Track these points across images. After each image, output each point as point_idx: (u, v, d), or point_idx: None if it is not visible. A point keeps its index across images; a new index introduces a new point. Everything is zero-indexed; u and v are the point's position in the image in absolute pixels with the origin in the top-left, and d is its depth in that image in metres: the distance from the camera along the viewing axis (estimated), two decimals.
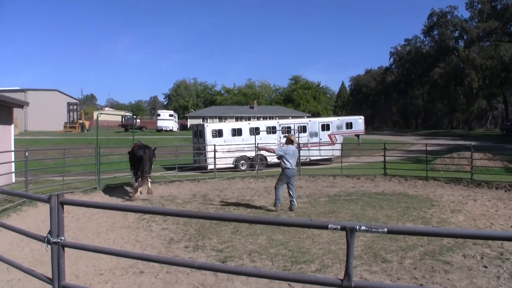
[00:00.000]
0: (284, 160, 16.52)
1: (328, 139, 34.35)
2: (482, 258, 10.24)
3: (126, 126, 76.74)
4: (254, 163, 27.97)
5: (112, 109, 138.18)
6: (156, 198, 19.53)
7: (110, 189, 21.55)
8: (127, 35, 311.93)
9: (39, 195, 7.88)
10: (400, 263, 9.97)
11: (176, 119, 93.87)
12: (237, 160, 30.70)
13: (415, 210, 16.17)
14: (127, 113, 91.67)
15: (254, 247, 11.36)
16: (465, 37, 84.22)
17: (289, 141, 17.00)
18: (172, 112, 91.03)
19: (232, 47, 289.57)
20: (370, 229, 4.07)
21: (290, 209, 16.59)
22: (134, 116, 75.51)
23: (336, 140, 34.55)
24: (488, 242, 11.13)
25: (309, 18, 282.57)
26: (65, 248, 5.31)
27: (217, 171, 26.21)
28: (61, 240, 5.17)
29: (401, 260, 10.13)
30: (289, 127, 33.90)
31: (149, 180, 20.58)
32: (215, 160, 26.26)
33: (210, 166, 27.77)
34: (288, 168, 16.53)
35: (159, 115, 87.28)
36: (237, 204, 18.01)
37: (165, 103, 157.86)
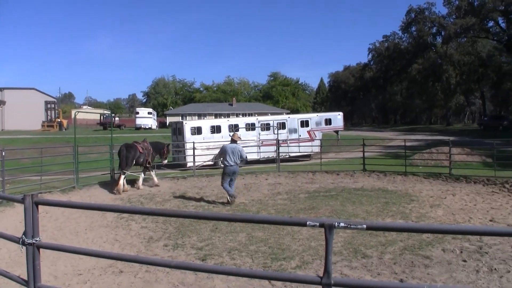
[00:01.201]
0: (223, 158, 17.66)
1: (307, 136, 34.41)
2: (461, 252, 10.30)
3: (105, 124, 76.25)
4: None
5: (90, 108, 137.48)
6: (135, 197, 19.39)
7: (89, 188, 21.35)
8: (105, 33, 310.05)
9: (13, 196, 7.77)
10: (380, 258, 9.99)
11: (155, 117, 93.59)
12: (216, 157, 30.62)
13: (394, 205, 16.23)
14: (105, 111, 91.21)
15: (234, 245, 11.33)
16: (442, 33, 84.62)
17: (233, 141, 18.00)
18: (151, 110, 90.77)
19: (210, 44, 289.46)
20: (349, 226, 4.04)
21: (231, 201, 17.45)
22: (113, 114, 74.80)
23: (315, 137, 34.62)
24: (467, 236, 11.19)
25: (287, 14, 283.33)
26: (43, 249, 5.23)
27: (196, 169, 26.12)
28: (36, 241, 5.08)
29: (381, 256, 10.15)
30: (268, 124, 33.92)
31: (142, 175, 22.02)
32: (194, 157, 26.15)
33: (190, 164, 27.65)
34: (227, 166, 17.45)
35: (137, 113, 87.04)
36: (216, 202, 17.98)
37: (144, 101, 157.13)
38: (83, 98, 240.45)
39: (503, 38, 76.81)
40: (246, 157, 18.76)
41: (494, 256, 9.97)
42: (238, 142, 18.21)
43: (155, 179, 22.53)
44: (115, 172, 22.29)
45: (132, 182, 22.22)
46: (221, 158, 17.90)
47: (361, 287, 4.82)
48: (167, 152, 23.25)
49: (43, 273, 5.32)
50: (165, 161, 23.79)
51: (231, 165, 17.45)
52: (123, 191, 20.45)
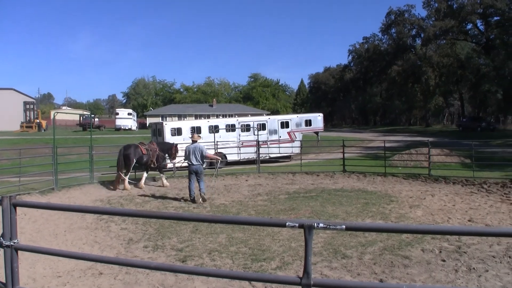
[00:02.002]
0: (185, 158, 18.73)
1: (287, 137, 34.42)
2: (440, 252, 10.37)
3: (84, 125, 75.74)
4: (214, 162, 27.89)
5: (70, 108, 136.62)
6: (115, 198, 19.29)
7: (68, 190, 21.20)
8: (85, 33, 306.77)
9: None
10: (360, 258, 10.03)
11: (135, 118, 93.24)
12: (184, 159, 30.57)
13: (374, 206, 16.31)
14: (85, 112, 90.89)
15: (214, 246, 11.30)
16: (422, 35, 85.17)
17: (193, 141, 18.59)
18: (130, 111, 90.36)
19: (191, 45, 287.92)
20: (328, 227, 4.05)
21: (203, 199, 18.06)
22: (92, 115, 74.40)
23: (296, 138, 34.65)
24: (446, 236, 11.27)
25: (267, 15, 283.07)
26: (22, 251, 5.18)
27: (176, 170, 26.05)
28: (14, 243, 5.03)
29: (361, 256, 10.18)
30: (248, 125, 33.88)
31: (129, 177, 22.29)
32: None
33: (170, 165, 27.56)
34: (190, 165, 18.21)
35: (117, 113, 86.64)
36: (196, 203, 17.89)
37: (124, 101, 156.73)
38: (63, 99, 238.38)
39: (481, 40, 77.59)
40: (205, 155, 18.85)
41: (472, 256, 10.05)
42: (198, 141, 18.79)
43: (164, 180, 22.86)
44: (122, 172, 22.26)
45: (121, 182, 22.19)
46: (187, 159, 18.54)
47: (340, 287, 4.84)
48: (175, 151, 23.50)
49: (21, 276, 5.27)
50: (174, 161, 24.25)
51: (194, 164, 18.06)
52: (124, 189, 21.35)
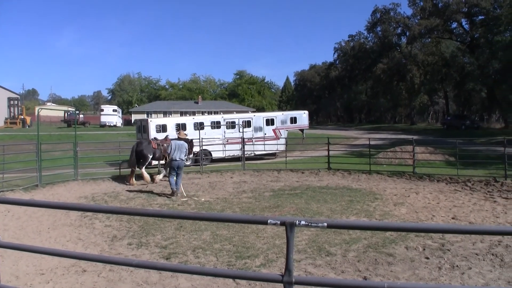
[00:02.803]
0: (170, 153, 19.10)
1: (272, 134, 34.41)
2: (424, 249, 10.41)
3: (69, 121, 75.33)
4: (199, 158, 27.83)
5: (54, 104, 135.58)
6: (99, 195, 19.20)
7: (52, 186, 21.09)
8: (70, 28, 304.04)
9: None
10: (344, 256, 10.04)
11: (120, 114, 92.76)
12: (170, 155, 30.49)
13: (358, 203, 16.37)
14: (69, 108, 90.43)
15: (199, 243, 11.29)
16: (407, 33, 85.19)
17: (179, 138, 19.58)
18: (116, 107, 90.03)
19: (177, 41, 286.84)
20: (309, 224, 4.04)
21: (175, 193, 18.78)
22: (77, 111, 74.08)
23: (281, 135, 34.67)
24: (430, 234, 11.31)
25: (254, 12, 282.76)
26: (5, 248, 5.13)
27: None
28: None
29: (345, 253, 10.20)
30: (233, 122, 33.84)
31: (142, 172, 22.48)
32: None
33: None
34: (172, 160, 18.87)
35: (102, 110, 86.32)
36: (181, 200, 17.88)
37: (109, 98, 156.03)
38: (47, 95, 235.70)
39: (466, 39, 77.85)
40: (188, 153, 20.19)
41: (456, 253, 10.09)
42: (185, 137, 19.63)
43: (160, 176, 22.88)
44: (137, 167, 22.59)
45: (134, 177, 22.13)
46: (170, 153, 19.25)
47: (322, 284, 4.83)
48: (191, 147, 23.55)
49: (4, 273, 5.23)
50: (190, 156, 24.49)
51: (176, 160, 18.80)
52: (130, 184, 22.06)
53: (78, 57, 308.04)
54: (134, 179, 22.41)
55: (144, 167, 22.47)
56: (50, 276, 9.12)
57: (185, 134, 20.35)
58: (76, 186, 21.55)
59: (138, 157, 22.27)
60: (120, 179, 23.53)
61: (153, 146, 22.54)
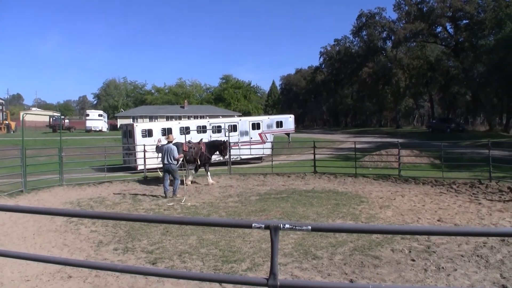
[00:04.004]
0: (161, 157, 19.99)
1: (258, 138, 34.48)
2: (410, 252, 10.44)
3: (54, 126, 74.94)
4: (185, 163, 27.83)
5: (39, 109, 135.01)
6: (84, 200, 19.09)
7: (37, 192, 20.96)
8: (55, 32, 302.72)
9: None
10: (330, 259, 10.05)
11: (106, 119, 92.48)
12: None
13: (344, 206, 16.39)
14: (55, 113, 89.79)
15: (185, 248, 11.26)
16: (392, 37, 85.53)
17: (169, 141, 19.99)
18: (101, 112, 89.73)
19: (163, 46, 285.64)
20: (294, 227, 4.04)
21: (173, 193, 19.67)
22: (62, 116, 73.88)
23: (267, 139, 34.74)
24: (416, 236, 11.36)
25: (239, 16, 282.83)
26: None
27: (147, 171, 25.88)
28: None
29: (331, 256, 10.21)
30: (219, 126, 33.86)
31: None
32: (145, 160, 25.94)
33: (140, 167, 27.40)
34: (163, 164, 19.74)
35: (88, 115, 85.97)
36: (167, 205, 17.81)
37: (95, 102, 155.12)
38: (32, 100, 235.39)
39: (450, 43, 78.29)
40: (176, 156, 19.98)
41: (441, 255, 10.14)
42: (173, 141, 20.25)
43: (209, 179, 23.43)
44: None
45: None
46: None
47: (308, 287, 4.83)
48: (224, 148, 24.04)
49: None
50: (226, 157, 25.18)
51: (165, 164, 19.57)
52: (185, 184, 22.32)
53: (63, 62, 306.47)
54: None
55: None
56: (36, 282, 9.05)
57: (174, 137, 20.81)
58: (61, 191, 21.43)
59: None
60: (105, 184, 23.44)
61: (184, 149, 22.66)
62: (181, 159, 21.26)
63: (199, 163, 23.26)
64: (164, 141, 20.71)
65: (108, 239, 12.40)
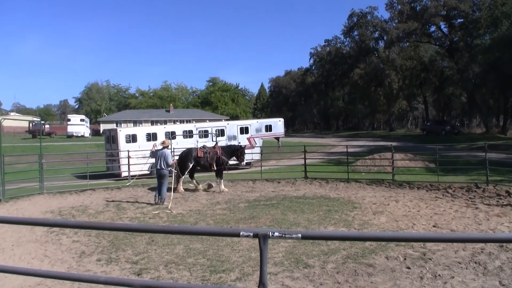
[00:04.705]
0: (155, 162, 20.21)
1: (247, 143, 34.43)
2: (405, 259, 10.44)
3: (34, 132, 74.64)
4: (171, 170, 27.75)
5: (18, 114, 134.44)
6: (66, 209, 18.97)
7: (16, 201, 20.83)
8: (35, 35, 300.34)
9: None
10: (323, 267, 10.03)
11: (88, 124, 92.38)
12: (153, 166, 30.24)
13: (336, 213, 16.37)
14: (34, 118, 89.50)
15: (171, 258, 11.21)
16: (385, 37, 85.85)
17: (164, 146, 20.16)
18: (83, 117, 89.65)
19: (147, 48, 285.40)
20: (283, 235, 4.03)
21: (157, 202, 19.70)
22: (42, 122, 73.60)
23: (256, 144, 34.76)
24: (411, 243, 11.36)
25: (227, 18, 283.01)
26: None
27: (131, 178, 25.80)
28: None
29: (323, 265, 10.19)
30: (206, 131, 33.88)
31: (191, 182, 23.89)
32: (129, 166, 25.86)
33: (124, 173, 27.31)
34: (155, 169, 20.09)
35: (69, 120, 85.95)
36: (153, 213, 17.73)
37: (76, 107, 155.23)
38: (11, 104, 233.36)
39: (445, 43, 78.55)
40: (170, 162, 20.08)
41: (438, 262, 10.14)
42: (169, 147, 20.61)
43: (222, 185, 23.18)
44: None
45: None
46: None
47: None
48: (241, 154, 23.87)
49: None
50: (243, 163, 25.04)
51: (157, 169, 19.77)
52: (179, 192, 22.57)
53: (43, 65, 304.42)
54: (181, 187, 23.05)
55: (182, 177, 23.03)
56: None
57: (168, 142, 20.98)
58: (41, 200, 21.31)
59: (180, 164, 22.81)
60: (88, 191, 23.35)
61: (199, 155, 22.91)
62: (174, 166, 21.28)
63: (215, 168, 23.17)
64: (159, 146, 20.74)
65: (91, 250, 12.32)
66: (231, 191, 22.95)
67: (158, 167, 19.62)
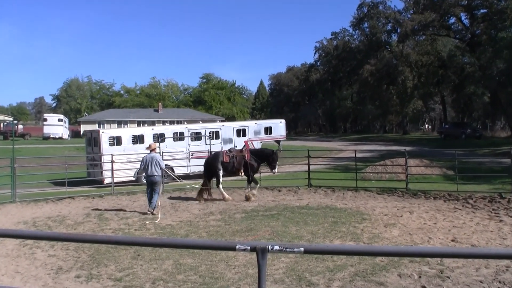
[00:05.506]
0: (144, 168, 20.17)
1: (245, 146, 34.47)
2: (419, 277, 10.43)
3: (6, 133, 74.73)
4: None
5: None
6: (41, 220, 18.96)
7: None
8: (7, 25, 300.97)
9: None
10: (328, 286, 10.04)
11: (67, 125, 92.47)
12: (139, 172, 30.17)
13: (344, 225, 16.37)
14: (6, 118, 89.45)
15: (159, 274, 11.21)
16: (398, 30, 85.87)
17: (151, 150, 20.43)
18: (61, 116, 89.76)
19: (133, 40, 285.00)
20: (284, 249, 4.02)
21: (151, 213, 19.53)
22: (15, 121, 73.49)
23: (254, 147, 34.73)
24: (426, 259, 11.33)
25: (222, 7, 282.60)
26: None
27: (115, 185, 25.78)
28: None
29: (328, 283, 10.19)
30: (199, 133, 33.90)
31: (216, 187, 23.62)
32: (112, 172, 25.85)
33: (107, 180, 27.29)
34: (147, 176, 20.14)
35: (46, 119, 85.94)
36: (139, 224, 17.73)
37: (54, 105, 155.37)
38: None
39: (465, 36, 78.32)
40: (163, 167, 20.64)
41: (457, 281, 10.13)
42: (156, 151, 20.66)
43: (253, 191, 23.14)
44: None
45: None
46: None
47: None
48: (273, 160, 23.40)
49: None
50: (275, 170, 23.87)
51: (148, 176, 19.90)
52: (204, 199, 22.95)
53: (16, 58, 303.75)
54: (225, 193, 23.07)
55: (220, 184, 23.07)
56: None
57: (157, 145, 21.50)
58: (13, 209, 21.33)
59: (208, 170, 23.18)
60: (66, 200, 23.33)
61: (225, 159, 22.98)
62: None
63: (242, 174, 23.32)
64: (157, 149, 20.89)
65: (69, 265, 12.30)
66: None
67: (150, 173, 19.65)
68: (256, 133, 35.73)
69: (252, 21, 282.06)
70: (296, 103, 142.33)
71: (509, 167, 21.83)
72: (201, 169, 30.29)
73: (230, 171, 23.30)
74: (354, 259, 11.57)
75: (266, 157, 23.65)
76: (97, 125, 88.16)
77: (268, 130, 36.46)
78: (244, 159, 23.02)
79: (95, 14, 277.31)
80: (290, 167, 35.68)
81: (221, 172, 22.92)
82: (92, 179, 29.73)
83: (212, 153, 24.43)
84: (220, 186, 22.84)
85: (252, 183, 23.42)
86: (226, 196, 22.70)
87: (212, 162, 23.17)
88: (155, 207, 19.58)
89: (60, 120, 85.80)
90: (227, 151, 23.67)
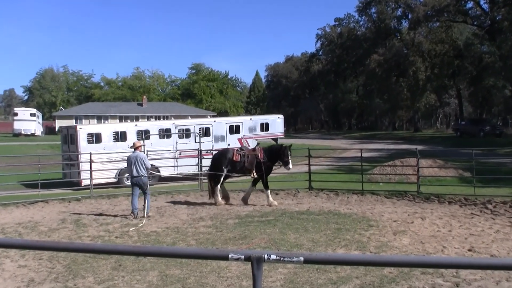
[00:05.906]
0: (128, 168, 20.89)
1: (238, 144, 34.42)
2: None
3: None
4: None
5: None
6: (11, 226, 18.92)
7: None
8: None
9: None
10: None
11: (40, 120, 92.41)
12: (121, 172, 30.17)
13: (348, 232, 16.37)
14: None
15: (143, 286, 11.21)
16: (409, 16, 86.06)
17: (135, 148, 20.63)
18: (34, 111, 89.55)
19: (114, 26, 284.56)
20: (282, 258, 4.01)
21: (136, 216, 19.85)
22: None
23: (249, 146, 34.71)
24: (440, 270, 11.34)
25: None
26: None
27: (94, 188, 25.75)
28: None
29: None
30: (188, 130, 33.85)
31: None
32: (91, 173, 25.82)
33: (85, 182, 27.25)
34: (131, 177, 20.25)
35: (16, 114, 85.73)
36: (120, 231, 17.71)
37: (25, 98, 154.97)
38: None
39: (484, 22, 78.17)
40: (149, 166, 20.78)
41: None
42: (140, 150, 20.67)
43: (270, 197, 22.76)
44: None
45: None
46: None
47: None
48: (283, 154, 22.93)
49: None
50: (289, 166, 23.36)
51: (135, 176, 19.94)
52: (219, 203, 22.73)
53: None
54: (219, 197, 22.93)
55: (219, 184, 22.84)
56: None
57: (142, 144, 21.67)
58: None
59: (212, 168, 23.11)
60: (39, 204, 23.31)
61: (234, 158, 22.75)
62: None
63: (255, 175, 22.93)
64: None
65: (42, 277, 12.26)
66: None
67: (135, 174, 19.76)
68: (251, 130, 35.66)
69: (247, 5, 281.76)
70: (295, 97, 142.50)
71: None
72: (190, 169, 30.48)
73: (240, 171, 23.18)
74: (359, 270, 11.57)
75: (276, 154, 23.20)
76: (74, 120, 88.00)
77: (265, 127, 36.38)
78: (256, 158, 22.73)
79: None
80: None
81: (225, 171, 22.77)
82: (68, 180, 29.63)
83: (226, 149, 24.54)
84: (218, 187, 22.72)
85: (263, 188, 23.11)
86: (219, 200, 22.59)
87: (220, 158, 23.12)
88: (149, 209, 19.92)
89: (32, 114, 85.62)
90: (238, 149, 23.54)
